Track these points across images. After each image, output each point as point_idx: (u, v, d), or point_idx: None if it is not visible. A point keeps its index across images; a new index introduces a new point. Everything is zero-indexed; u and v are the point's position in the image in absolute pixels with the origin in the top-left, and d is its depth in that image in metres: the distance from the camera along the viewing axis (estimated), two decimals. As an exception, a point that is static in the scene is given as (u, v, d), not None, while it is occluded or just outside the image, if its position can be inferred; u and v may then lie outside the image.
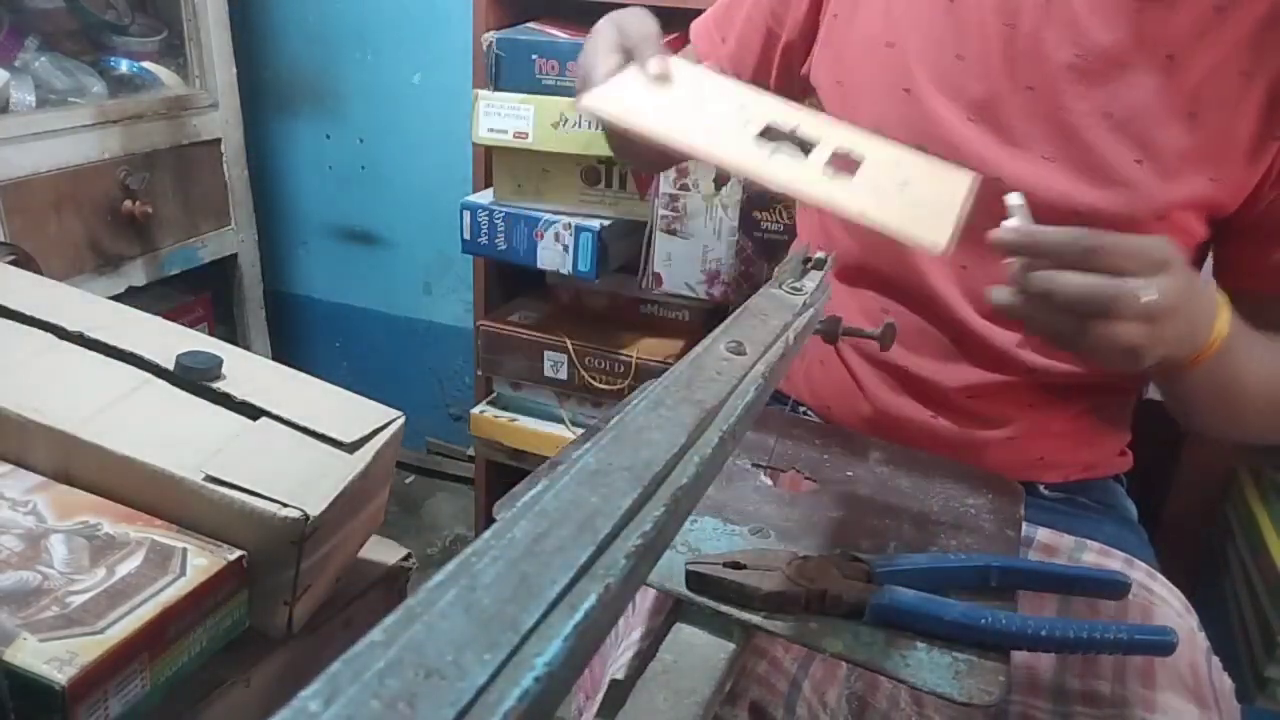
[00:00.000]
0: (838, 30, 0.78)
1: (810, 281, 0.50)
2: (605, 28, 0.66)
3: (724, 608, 0.44)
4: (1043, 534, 0.70)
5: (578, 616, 0.21)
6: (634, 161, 1.14)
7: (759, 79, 0.86)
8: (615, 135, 0.89)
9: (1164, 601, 0.65)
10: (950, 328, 0.74)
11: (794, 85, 0.83)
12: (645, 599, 0.65)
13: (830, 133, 0.57)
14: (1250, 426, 0.70)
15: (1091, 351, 0.53)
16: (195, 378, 0.77)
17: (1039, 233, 0.54)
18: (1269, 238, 0.68)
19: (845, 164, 0.55)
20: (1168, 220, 0.68)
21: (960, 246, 0.62)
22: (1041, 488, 0.76)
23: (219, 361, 0.78)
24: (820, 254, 0.56)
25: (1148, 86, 0.67)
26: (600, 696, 0.40)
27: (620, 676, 0.48)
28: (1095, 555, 0.69)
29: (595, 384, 1.36)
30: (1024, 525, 0.61)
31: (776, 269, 0.55)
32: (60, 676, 0.55)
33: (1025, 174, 0.69)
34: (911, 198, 0.53)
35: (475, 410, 1.47)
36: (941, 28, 0.72)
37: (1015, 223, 0.55)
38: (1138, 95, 0.67)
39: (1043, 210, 0.70)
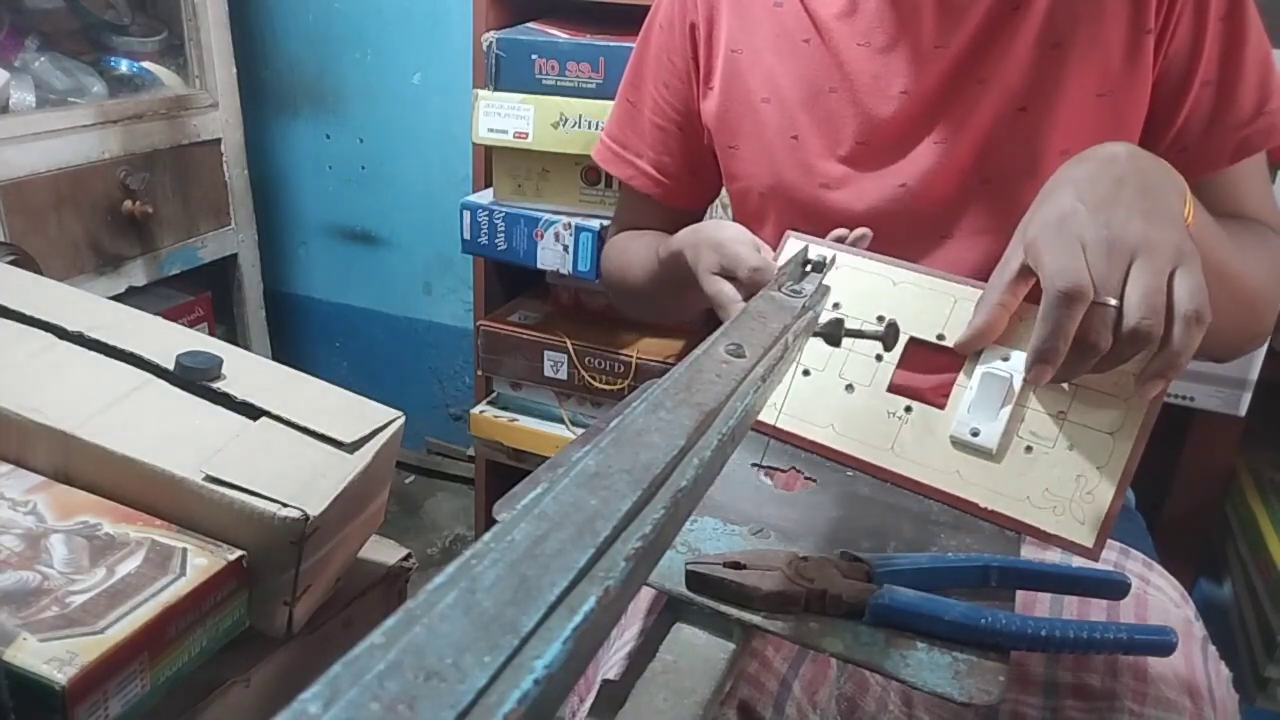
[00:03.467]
0: (715, 100, 0.81)
1: (810, 284, 0.50)
2: (705, 265, 0.65)
3: (724, 608, 0.44)
4: None
5: (577, 619, 0.21)
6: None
7: (699, 176, 0.88)
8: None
9: (1160, 591, 0.65)
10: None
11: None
12: (639, 599, 0.65)
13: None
14: (1241, 310, 0.68)
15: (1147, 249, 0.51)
16: (195, 378, 0.77)
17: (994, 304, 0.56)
18: (1174, 131, 0.71)
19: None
20: (1073, 154, 0.69)
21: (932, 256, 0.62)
22: None
23: (219, 361, 0.78)
24: (820, 256, 0.56)
25: (1004, 37, 0.69)
26: (592, 697, 0.40)
27: (613, 676, 0.48)
28: None
29: (595, 384, 1.36)
30: None
31: (776, 271, 0.55)
32: (60, 676, 0.55)
33: (921, 168, 0.72)
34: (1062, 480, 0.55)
35: (475, 410, 1.47)
36: (807, 67, 0.75)
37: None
38: (998, 49, 0.69)
39: (951, 187, 0.72)
